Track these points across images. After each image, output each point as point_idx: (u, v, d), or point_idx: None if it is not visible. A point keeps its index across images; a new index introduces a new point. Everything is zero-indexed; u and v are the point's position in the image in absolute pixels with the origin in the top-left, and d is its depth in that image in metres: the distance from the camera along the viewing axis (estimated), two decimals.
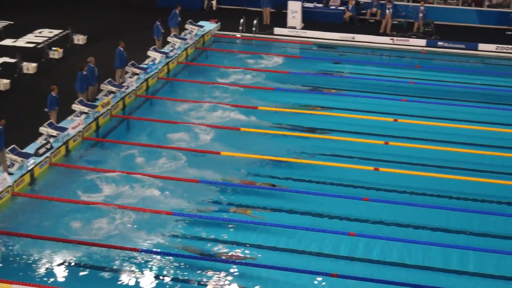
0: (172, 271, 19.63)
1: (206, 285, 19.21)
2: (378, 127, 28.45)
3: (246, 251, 20.60)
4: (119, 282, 19.20)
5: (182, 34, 36.73)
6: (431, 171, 25.16)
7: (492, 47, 37.94)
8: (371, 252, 20.74)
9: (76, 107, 27.16)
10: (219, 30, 39.66)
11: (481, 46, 38.00)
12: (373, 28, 40.36)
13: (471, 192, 23.98)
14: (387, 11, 39.73)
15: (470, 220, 22.48)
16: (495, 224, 22.26)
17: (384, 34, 39.30)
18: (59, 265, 19.70)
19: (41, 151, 24.32)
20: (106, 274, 19.45)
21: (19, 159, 23.38)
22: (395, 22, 40.23)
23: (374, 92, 32.17)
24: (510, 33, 40.06)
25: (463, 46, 38.19)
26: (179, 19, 36.40)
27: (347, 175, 24.86)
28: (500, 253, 20.78)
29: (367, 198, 23.31)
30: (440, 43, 38.41)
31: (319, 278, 19.52)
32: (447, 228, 21.96)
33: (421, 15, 39.40)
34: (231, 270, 19.75)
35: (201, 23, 38.72)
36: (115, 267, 19.69)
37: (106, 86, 29.17)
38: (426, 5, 39.82)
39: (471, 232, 21.82)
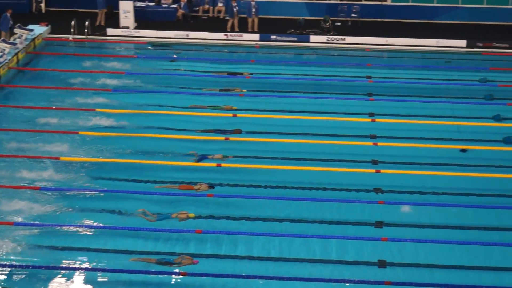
0: (13, 283, 19.04)
1: None
2: (216, 124, 28.63)
3: (87, 257, 20.26)
4: None
5: (11, 38, 35.53)
6: (276, 163, 25.60)
7: (323, 38, 38.98)
8: (220, 248, 20.88)
9: None
10: (50, 33, 38.64)
11: (313, 38, 38.99)
12: (207, 25, 40.54)
13: (310, 181, 24.58)
14: (234, 9, 39.88)
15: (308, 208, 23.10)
16: (338, 211, 22.97)
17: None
18: None
19: None
20: None
21: None
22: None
23: (211, 89, 32.32)
24: (339, 24, 41.20)
25: (295, 38, 39.04)
26: (11, 22, 35.30)
27: (189, 174, 24.87)
28: (343, 239, 21.45)
29: (212, 194, 23.39)
30: (273, 37, 39.07)
31: (168, 281, 19.52)
32: (291, 218, 22.43)
33: (254, 10, 39.86)
34: (75, 277, 19.44)
35: (30, 26, 37.57)
36: None
37: None
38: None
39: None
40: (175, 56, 37.02)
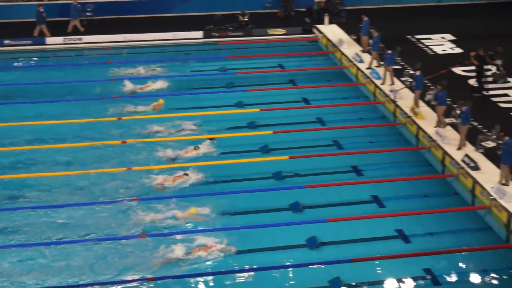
0: None
1: None
2: None
3: None
4: None
5: None
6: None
7: (59, 39, 38.25)
8: None
9: None
10: None
11: (49, 40, 38.11)
12: None
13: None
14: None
15: None
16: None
17: None
18: None
19: None
20: None
21: None
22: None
23: None
24: (78, 24, 40.47)
25: (31, 42, 37.97)
26: None
27: None
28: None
29: None
30: (6, 42, 37.73)
31: None
32: None
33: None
34: None
35: None
36: None
37: None
38: None
39: None
40: None
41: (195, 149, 26.20)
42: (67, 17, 40.54)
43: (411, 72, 30.65)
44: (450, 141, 25.33)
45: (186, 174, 24.44)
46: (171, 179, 24.34)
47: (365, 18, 34.47)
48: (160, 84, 32.49)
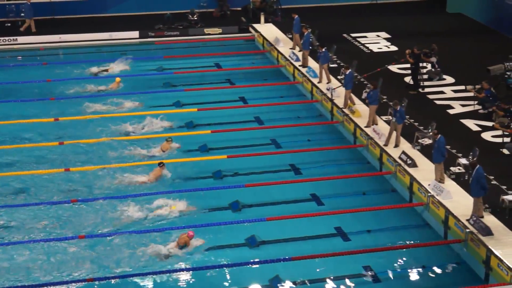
0: None
1: None
2: None
3: None
4: None
5: None
6: None
7: None
8: None
9: None
10: None
11: None
12: None
13: None
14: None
15: None
16: None
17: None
18: None
19: None
20: None
21: None
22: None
23: None
24: (9, 24, 39.78)
25: None
26: None
27: None
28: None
29: None
30: None
31: None
32: None
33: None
34: None
35: None
36: None
37: None
38: None
39: None
40: None
41: (167, 141, 26.37)
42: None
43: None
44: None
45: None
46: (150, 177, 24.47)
47: (296, 16, 34.53)
48: (97, 85, 32.27)
